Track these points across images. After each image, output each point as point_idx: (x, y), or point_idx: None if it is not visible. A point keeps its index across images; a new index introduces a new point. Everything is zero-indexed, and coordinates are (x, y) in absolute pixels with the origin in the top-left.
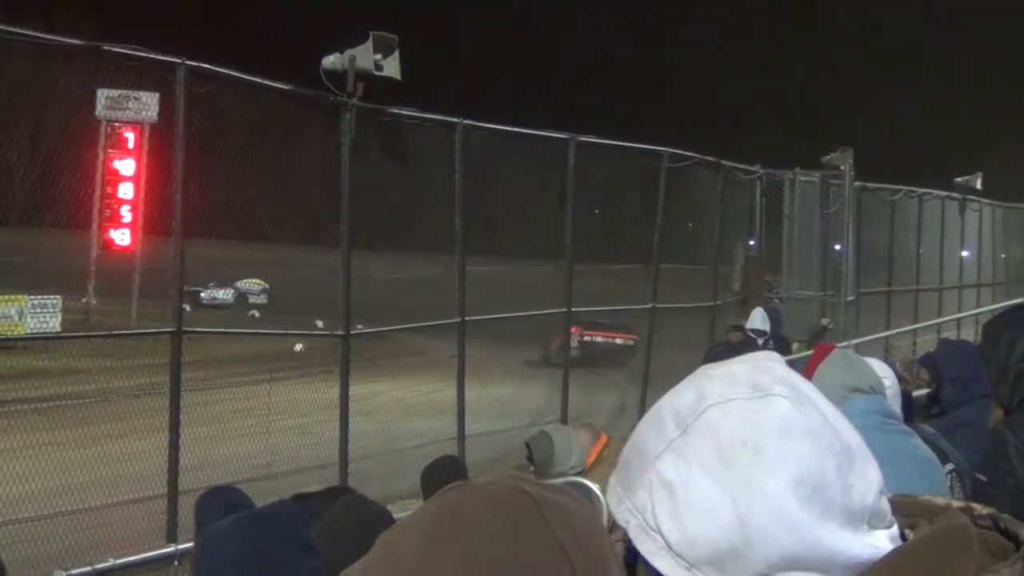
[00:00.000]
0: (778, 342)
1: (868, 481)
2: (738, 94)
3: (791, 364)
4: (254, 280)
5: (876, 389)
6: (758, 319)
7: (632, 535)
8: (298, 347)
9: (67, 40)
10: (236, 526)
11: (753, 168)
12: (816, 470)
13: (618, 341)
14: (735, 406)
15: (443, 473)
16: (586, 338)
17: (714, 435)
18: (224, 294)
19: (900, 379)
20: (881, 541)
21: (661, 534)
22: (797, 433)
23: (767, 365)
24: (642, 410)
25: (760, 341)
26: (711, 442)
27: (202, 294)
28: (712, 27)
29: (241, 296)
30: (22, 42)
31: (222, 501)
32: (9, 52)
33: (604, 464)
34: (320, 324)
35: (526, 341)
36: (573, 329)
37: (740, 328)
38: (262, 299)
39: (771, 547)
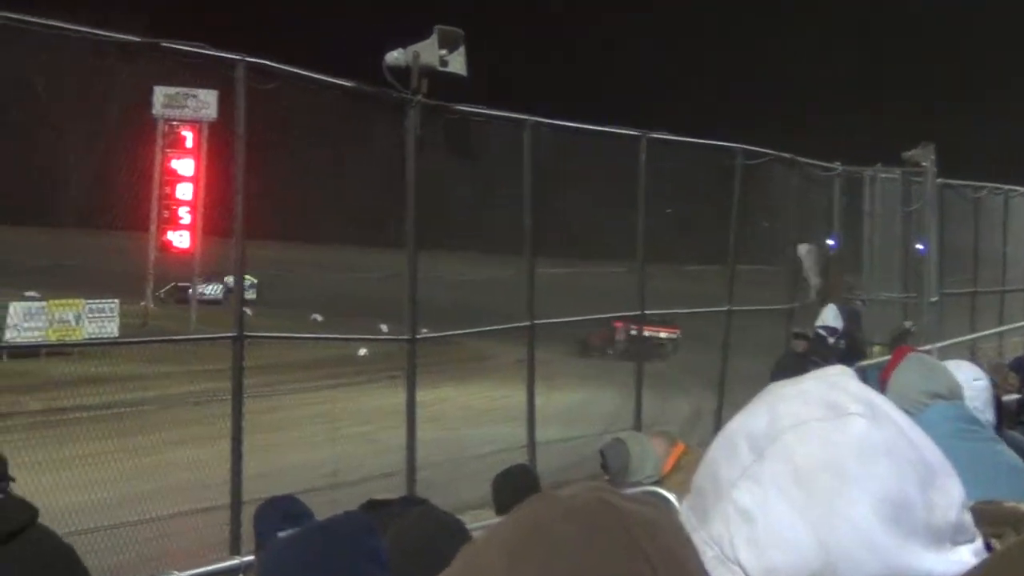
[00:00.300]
0: (851, 342)
1: (950, 497)
2: (815, 88)
3: (871, 368)
4: (245, 275)
5: (955, 394)
6: (830, 316)
7: (709, 568)
8: (362, 352)
9: (124, 37)
10: (302, 538)
11: (831, 165)
12: (898, 490)
13: (662, 335)
14: (811, 428)
15: (516, 482)
16: (632, 332)
17: (791, 459)
18: (213, 289)
19: None
20: (965, 556)
21: (740, 565)
22: (876, 453)
23: (840, 381)
24: (718, 417)
25: (831, 340)
26: (788, 467)
27: (190, 290)
28: (786, 17)
29: (231, 291)
30: (78, 39)
31: (281, 512)
32: (64, 49)
33: (681, 473)
34: (385, 328)
35: (635, 355)
36: (617, 324)
37: (804, 336)
38: (251, 294)
39: (856, 573)
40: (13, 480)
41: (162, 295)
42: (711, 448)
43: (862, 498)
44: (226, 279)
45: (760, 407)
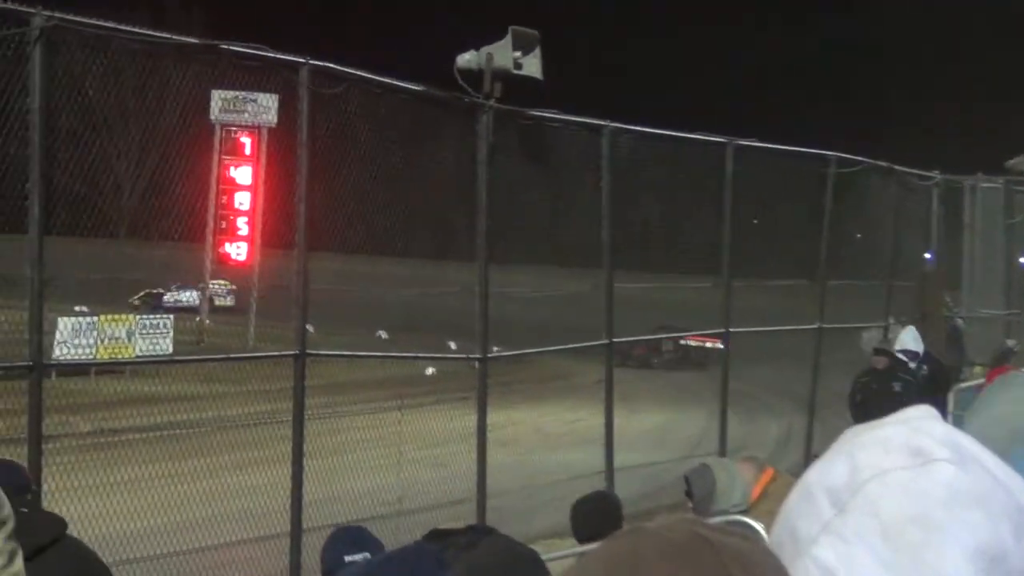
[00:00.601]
0: (934, 366)
1: None
2: (912, 93)
3: (966, 391)
4: (220, 281)
5: None
6: (909, 339)
7: None
8: (430, 371)
9: (181, 38)
10: (370, 570)
11: (929, 174)
12: (992, 539)
13: (708, 345)
14: (895, 477)
15: (596, 510)
16: (681, 341)
17: (876, 512)
18: (189, 296)
19: None
20: None
21: None
22: (967, 500)
23: (923, 425)
24: (808, 440)
25: (912, 364)
26: (873, 520)
27: (165, 296)
28: (880, 22)
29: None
30: (132, 41)
31: (349, 542)
32: (118, 52)
33: (770, 500)
34: (454, 346)
35: (681, 364)
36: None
37: (886, 352)
38: (229, 300)
39: None
40: (34, 491)
41: (136, 301)
42: (788, 501)
43: (953, 550)
44: (201, 285)
45: (839, 456)
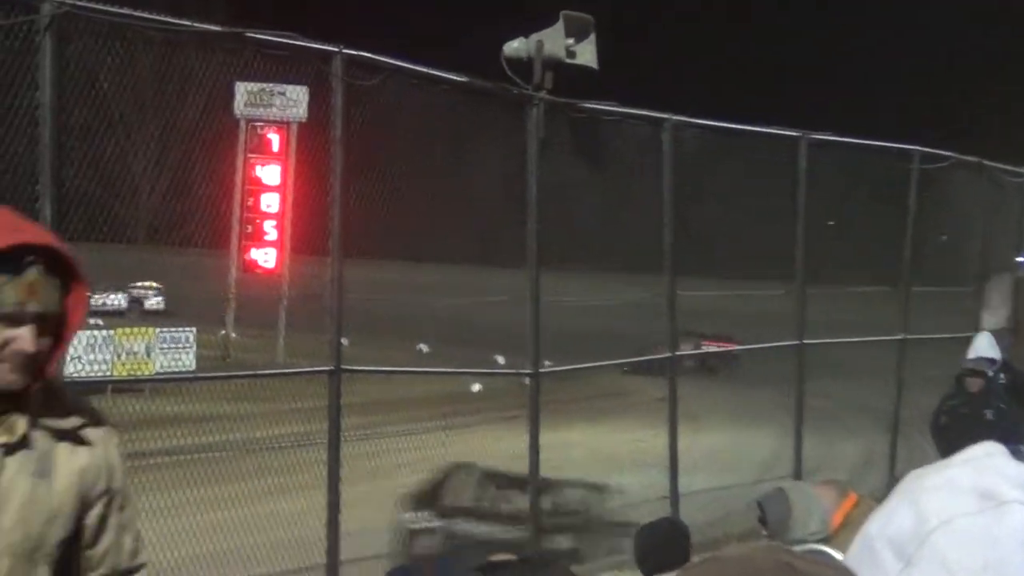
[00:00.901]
0: (1015, 376)
1: None
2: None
3: None
4: (149, 283)
5: None
6: (985, 345)
7: None
8: (476, 387)
9: (203, 26)
10: None
11: (1021, 170)
12: None
13: (733, 349)
14: (964, 524)
15: (663, 539)
16: (703, 347)
17: (945, 564)
18: (115, 299)
19: None
20: None
21: None
22: None
23: (992, 463)
24: (892, 462)
25: (990, 372)
26: (943, 572)
27: (91, 299)
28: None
29: (135, 301)
30: (149, 29)
31: None
32: (134, 41)
33: (851, 529)
34: (501, 360)
35: (749, 380)
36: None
37: (980, 373)
38: (158, 304)
39: None
40: None
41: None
42: (849, 555)
43: None
44: (130, 288)
45: (901, 504)
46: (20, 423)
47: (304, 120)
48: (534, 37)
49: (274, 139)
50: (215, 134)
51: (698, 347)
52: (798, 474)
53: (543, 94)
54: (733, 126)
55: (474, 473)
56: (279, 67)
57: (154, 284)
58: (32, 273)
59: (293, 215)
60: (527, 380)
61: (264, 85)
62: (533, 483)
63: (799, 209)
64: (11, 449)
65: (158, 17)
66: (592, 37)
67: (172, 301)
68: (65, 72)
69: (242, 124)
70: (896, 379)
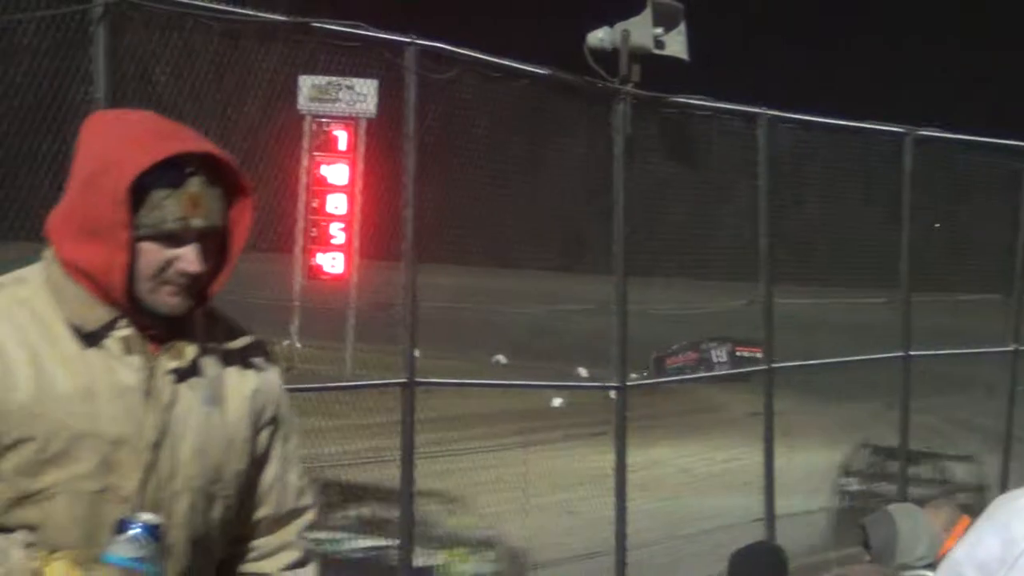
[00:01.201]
0: None
1: None
2: None
3: None
4: None
5: None
6: None
7: None
8: (556, 402)
9: (267, 16)
10: None
11: None
12: None
13: (758, 355)
14: None
15: (759, 564)
16: (737, 353)
17: None
18: None
19: None
20: None
21: None
22: None
23: None
24: (1003, 483)
25: None
26: None
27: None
28: None
29: None
30: (210, 19)
31: None
32: (192, 32)
33: None
34: (584, 373)
35: (851, 394)
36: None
37: None
38: None
39: None
40: None
41: None
42: None
43: None
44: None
45: (988, 528)
46: (188, 348)
47: (373, 116)
48: (620, 26)
49: (341, 136)
50: (277, 131)
51: (732, 353)
52: (903, 495)
53: (630, 87)
54: (833, 121)
55: None
56: (346, 59)
57: None
58: (194, 184)
59: (362, 217)
60: (613, 394)
61: (330, 79)
62: (619, 504)
63: (904, 211)
64: (182, 376)
65: (218, 6)
66: (682, 26)
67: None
68: (121, 66)
69: (306, 120)
70: (1008, 394)
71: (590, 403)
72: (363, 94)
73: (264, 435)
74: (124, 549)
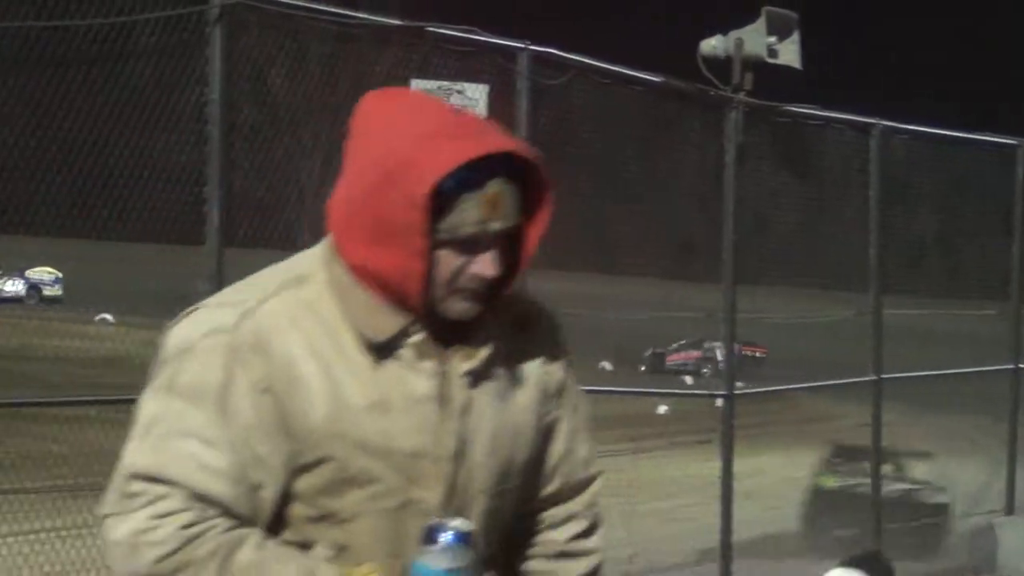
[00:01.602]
0: None
1: None
2: None
3: None
4: (45, 269)
5: None
6: None
7: None
8: (662, 409)
9: (382, 20)
10: None
11: None
12: None
13: (758, 354)
14: None
15: (868, 573)
16: (746, 353)
17: None
18: (13, 285)
19: None
20: None
21: None
22: None
23: None
24: None
25: None
26: None
27: None
28: None
29: (33, 287)
30: (325, 22)
31: None
32: (306, 34)
33: None
34: (689, 380)
35: (961, 405)
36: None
37: None
38: (56, 290)
39: None
40: None
41: None
42: None
43: None
44: (27, 273)
45: None
46: (480, 349)
47: None
48: (733, 35)
49: None
50: None
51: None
52: (1011, 509)
53: (742, 96)
54: (946, 132)
55: None
56: (457, 64)
57: (50, 269)
58: (494, 185)
59: None
60: (720, 402)
61: (440, 83)
62: (725, 512)
63: (1015, 222)
64: (475, 378)
65: (334, 9)
66: (796, 35)
67: None
68: (236, 68)
69: None
70: None
71: (695, 410)
72: (474, 99)
73: (551, 413)
74: (438, 560)
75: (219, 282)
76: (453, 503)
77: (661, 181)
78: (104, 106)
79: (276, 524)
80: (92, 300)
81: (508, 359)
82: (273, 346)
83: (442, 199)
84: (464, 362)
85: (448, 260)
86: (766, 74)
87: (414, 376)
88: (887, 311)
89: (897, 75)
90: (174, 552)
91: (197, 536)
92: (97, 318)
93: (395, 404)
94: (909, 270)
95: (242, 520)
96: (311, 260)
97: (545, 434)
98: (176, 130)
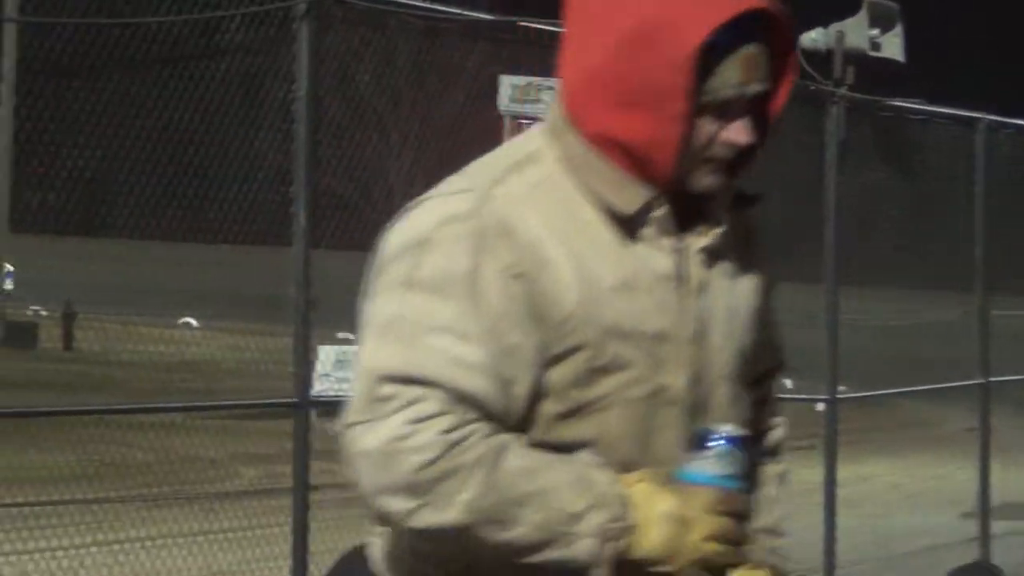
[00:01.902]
0: None
1: None
2: None
3: None
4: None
5: None
6: None
7: None
8: None
9: (473, 14)
10: None
11: None
12: None
13: None
14: None
15: None
16: None
17: None
18: None
19: None
20: None
21: None
22: None
23: None
24: None
25: None
26: None
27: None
28: None
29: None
30: (411, 17)
31: None
32: (394, 30)
33: None
34: (789, 384)
35: None
36: None
37: None
38: (8, 284)
39: None
40: None
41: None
42: None
43: None
44: (6, 268)
45: None
46: (715, 226)
47: None
48: (834, 27)
49: None
50: (477, 132)
51: None
52: None
53: (844, 90)
54: None
55: None
56: (548, 59)
57: (7, 266)
58: (751, 46)
59: None
60: (821, 407)
61: (531, 79)
62: (828, 520)
63: None
64: (711, 257)
65: (422, 4)
66: (899, 28)
67: None
68: (323, 64)
69: (506, 121)
70: None
71: (795, 415)
72: None
73: (764, 301)
74: (711, 466)
75: (307, 287)
76: (697, 390)
77: (760, 178)
78: (190, 102)
79: (521, 424)
80: (175, 303)
81: (738, 237)
82: (518, 229)
83: (699, 62)
84: (700, 239)
85: (702, 127)
86: (863, 68)
87: (656, 253)
88: (995, 312)
89: (1005, 66)
90: (437, 459)
91: (460, 441)
92: (180, 321)
93: (640, 283)
94: (1016, 269)
95: (499, 422)
96: (536, 139)
97: (761, 320)
98: (263, 127)
